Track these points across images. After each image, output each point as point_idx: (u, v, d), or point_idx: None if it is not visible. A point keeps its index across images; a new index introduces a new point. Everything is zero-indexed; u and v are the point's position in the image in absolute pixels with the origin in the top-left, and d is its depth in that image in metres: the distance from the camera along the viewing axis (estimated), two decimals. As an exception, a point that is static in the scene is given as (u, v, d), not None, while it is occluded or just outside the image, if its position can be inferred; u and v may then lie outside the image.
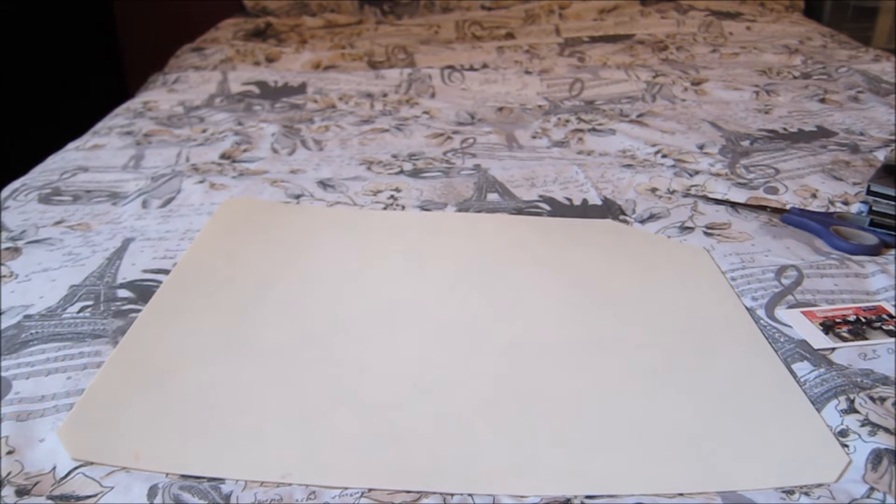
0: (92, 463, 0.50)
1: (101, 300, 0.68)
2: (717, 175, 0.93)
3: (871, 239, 0.77)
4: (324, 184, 0.93)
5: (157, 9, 2.17)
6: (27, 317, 0.65)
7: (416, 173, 0.96)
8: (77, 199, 0.88)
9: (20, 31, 1.74)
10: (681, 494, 0.47)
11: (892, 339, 0.61)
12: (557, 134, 1.10)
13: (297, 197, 0.89)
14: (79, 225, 0.82)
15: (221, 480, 0.49)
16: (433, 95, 1.30)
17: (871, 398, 0.54)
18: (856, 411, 0.53)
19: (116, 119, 1.18)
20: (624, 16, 1.77)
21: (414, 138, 1.09)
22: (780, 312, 0.65)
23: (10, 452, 0.51)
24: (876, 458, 0.49)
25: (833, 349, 0.60)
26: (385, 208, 0.87)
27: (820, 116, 1.14)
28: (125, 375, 0.58)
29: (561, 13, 1.77)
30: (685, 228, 0.81)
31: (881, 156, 0.97)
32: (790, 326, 0.63)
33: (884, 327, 0.62)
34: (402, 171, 0.97)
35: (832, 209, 0.84)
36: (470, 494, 0.48)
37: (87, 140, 1.08)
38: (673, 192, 0.89)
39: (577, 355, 0.61)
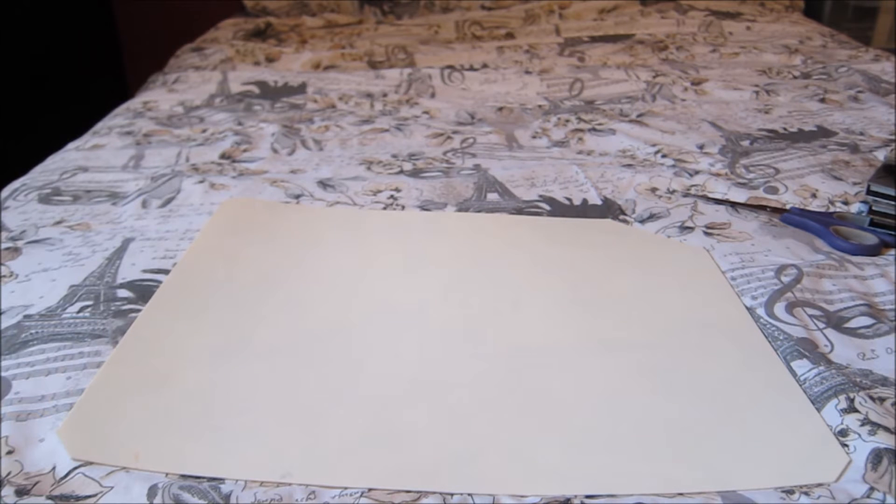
0: (92, 463, 0.50)
1: (100, 300, 0.68)
2: (717, 175, 0.93)
3: (871, 239, 0.77)
4: (324, 184, 0.93)
5: (157, 9, 2.17)
6: (27, 317, 0.65)
7: (415, 173, 0.96)
8: (77, 199, 0.88)
9: (20, 31, 1.74)
10: (681, 494, 0.47)
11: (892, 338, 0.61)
12: (557, 134, 1.10)
13: (297, 197, 0.89)
14: (79, 225, 0.82)
15: (221, 480, 0.49)
16: (433, 95, 1.30)
17: (871, 398, 0.54)
18: (856, 410, 0.53)
19: (116, 119, 1.18)
20: (624, 16, 1.77)
21: (414, 138, 1.09)
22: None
23: (9, 452, 0.51)
24: (876, 457, 0.49)
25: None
26: (385, 208, 0.87)
27: (820, 116, 1.14)
28: (125, 375, 0.58)
29: (561, 13, 1.77)
30: (685, 228, 0.81)
31: (881, 156, 0.97)
32: (789, 324, 0.63)
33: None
34: (401, 171, 0.97)
35: (832, 209, 0.84)
36: (470, 494, 0.48)
37: (87, 140, 1.08)
38: (673, 192, 0.89)
39: (576, 355, 0.61)
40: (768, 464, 0.50)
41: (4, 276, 0.72)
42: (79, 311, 0.66)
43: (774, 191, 0.89)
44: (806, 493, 0.47)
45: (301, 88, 1.33)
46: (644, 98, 1.26)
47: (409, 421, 0.54)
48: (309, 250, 0.77)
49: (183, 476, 0.49)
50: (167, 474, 0.49)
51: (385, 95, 1.29)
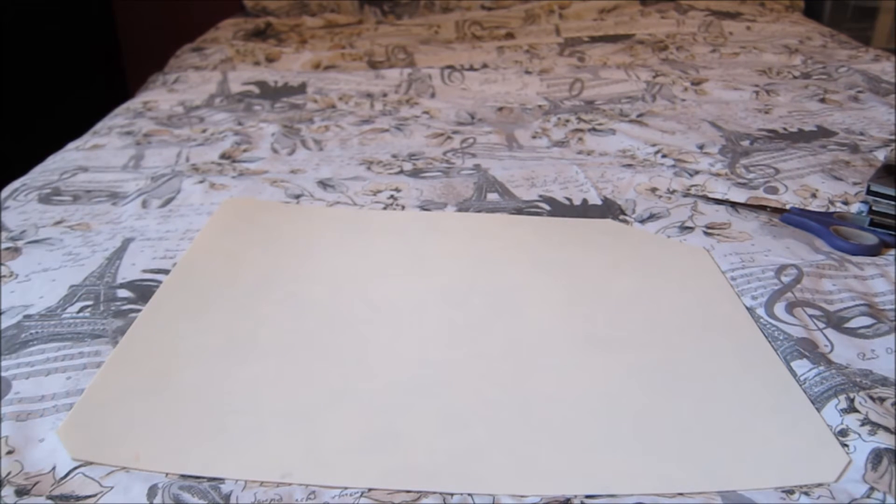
0: (92, 463, 0.50)
1: (100, 300, 0.68)
2: (717, 175, 0.93)
3: (870, 239, 0.77)
4: (324, 184, 0.93)
5: (157, 9, 2.17)
6: (27, 317, 0.65)
7: (416, 173, 0.96)
8: (77, 199, 0.88)
9: (20, 31, 1.74)
10: (681, 494, 0.47)
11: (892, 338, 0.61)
12: (557, 134, 1.10)
13: (297, 197, 0.89)
14: (79, 225, 0.82)
15: (221, 480, 0.49)
16: (433, 95, 1.30)
17: (871, 398, 0.54)
18: (856, 410, 0.53)
19: (116, 119, 1.18)
20: (624, 16, 1.77)
21: (414, 138, 1.09)
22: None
23: (9, 452, 0.51)
24: (876, 457, 0.49)
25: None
26: (385, 208, 0.87)
27: (820, 116, 1.14)
28: (125, 375, 0.58)
29: (561, 13, 1.77)
30: (685, 228, 0.81)
31: (881, 156, 0.97)
32: (789, 324, 0.63)
33: None
34: (402, 171, 0.97)
35: (832, 209, 0.84)
36: (470, 494, 0.48)
37: (87, 140, 1.08)
38: (673, 192, 0.89)
39: (576, 355, 0.61)
40: (768, 464, 0.50)
41: (4, 276, 0.72)
42: (79, 311, 0.66)
43: (774, 191, 0.89)
44: (806, 493, 0.47)
45: (301, 88, 1.33)
46: (644, 98, 1.26)
47: (409, 421, 0.54)
48: (309, 250, 0.77)
49: (183, 476, 0.49)
50: (167, 474, 0.49)
51: (385, 95, 1.29)
